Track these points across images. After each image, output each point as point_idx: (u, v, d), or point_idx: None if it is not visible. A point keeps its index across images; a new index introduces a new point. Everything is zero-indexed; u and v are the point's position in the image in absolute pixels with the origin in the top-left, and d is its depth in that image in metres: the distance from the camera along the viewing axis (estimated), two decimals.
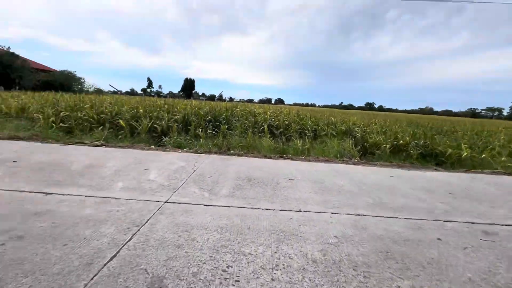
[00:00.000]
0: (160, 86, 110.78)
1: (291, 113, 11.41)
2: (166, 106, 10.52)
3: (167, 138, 6.51)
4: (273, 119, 8.97)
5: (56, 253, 1.65)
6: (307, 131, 7.87)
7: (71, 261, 1.58)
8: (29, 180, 2.90)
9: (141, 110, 8.30)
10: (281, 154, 5.46)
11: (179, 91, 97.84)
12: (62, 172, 3.26)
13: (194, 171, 3.69)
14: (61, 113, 7.86)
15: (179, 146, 5.79)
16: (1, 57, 21.01)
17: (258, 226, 2.17)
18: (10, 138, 5.10)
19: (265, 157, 5.03)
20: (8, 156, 3.79)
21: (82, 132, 6.97)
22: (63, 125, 7.07)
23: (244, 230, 2.08)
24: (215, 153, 5.09)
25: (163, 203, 2.52)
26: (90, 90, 31.98)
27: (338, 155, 5.44)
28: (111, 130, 7.56)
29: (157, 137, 7.18)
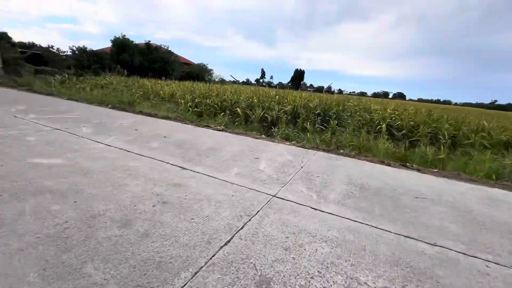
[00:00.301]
0: (271, 77, 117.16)
1: (419, 112, 9.39)
2: (277, 97, 10.95)
3: (276, 128, 6.74)
4: (393, 118, 7.66)
5: (186, 224, 1.93)
6: (441, 137, 6.25)
7: (196, 235, 1.80)
8: (172, 154, 3.63)
9: (255, 100, 8.95)
10: (403, 162, 4.55)
11: (288, 82, 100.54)
12: (194, 150, 3.90)
13: (301, 167, 3.59)
14: (196, 99, 9.61)
15: (286, 138, 5.87)
16: (163, 54, 27.87)
17: (377, 250, 1.82)
18: (164, 117, 6.63)
19: (382, 162, 4.33)
20: (161, 133, 4.91)
21: (209, 117, 8.24)
22: (196, 109, 8.62)
23: (358, 251, 1.79)
24: (323, 150, 4.81)
25: (271, 196, 2.55)
26: (216, 80, 37.80)
27: (494, 176, 3.99)
28: (230, 116, 8.56)
29: (267, 126, 7.58)
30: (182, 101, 9.19)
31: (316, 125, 7.13)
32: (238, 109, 7.89)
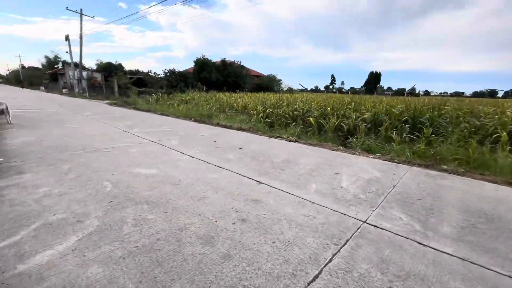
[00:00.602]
0: (342, 82, 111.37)
1: None
2: (352, 103, 10.09)
3: (353, 139, 6.11)
4: None
5: (267, 248, 1.78)
6: None
7: (278, 263, 1.62)
8: (248, 166, 3.63)
9: (329, 109, 8.43)
10: None
11: (361, 86, 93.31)
12: (268, 163, 3.82)
13: (393, 186, 3.03)
14: (267, 110, 9.77)
15: (368, 150, 5.20)
16: (236, 69, 30.05)
17: None
18: (238, 129, 6.92)
19: (510, 184, 3.27)
20: (237, 144, 5.07)
21: (280, 127, 8.20)
22: (268, 120, 8.73)
23: None
24: (418, 165, 4.01)
25: (361, 222, 2.17)
26: (284, 89, 38.21)
27: None
28: (302, 126, 8.30)
29: (342, 136, 6.99)
30: (254, 112, 9.48)
31: (404, 134, 6.13)
32: (310, 118, 7.57)
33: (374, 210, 2.40)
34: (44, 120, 7.58)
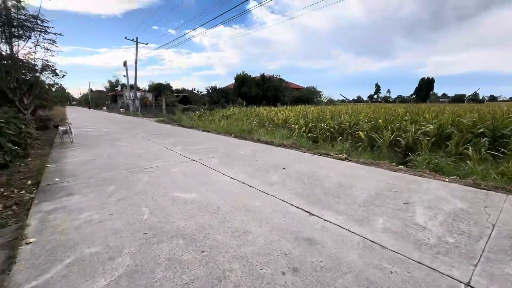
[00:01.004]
0: (388, 91, 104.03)
1: None
2: (408, 114, 8.96)
3: (415, 156, 5.22)
4: None
5: None
6: None
7: None
8: (294, 191, 3.19)
9: (380, 121, 7.55)
10: None
11: (411, 94, 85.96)
12: (318, 187, 3.32)
13: (492, 225, 2.27)
14: (309, 124, 9.23)
15: (437, 170, 4.32)
16: (275, 83, 30.17)
17: None
18: (280, 145, 6.54)
19: None
20: (280, 163, 4.68)
21: (325, 142, 7.59)
22: (311, 134, 8.19)
23: None
24: None
25: (463, 285, 1.55)
26: (325, 101, 36.95)
27: None
28: (350, 141, 7.58)
29: (400, 153, 6.09)
30: (296, 127, 9.04)
31: (483, 151, 5.03)
32: (360, 132, 6.82)
33: (476, 265, 1.74)
34: (101, 138, 8.25)
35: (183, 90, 43.99)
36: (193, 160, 4.99)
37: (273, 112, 14.06)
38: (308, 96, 33.16)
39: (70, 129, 7.26)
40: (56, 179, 3.80)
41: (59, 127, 7.23)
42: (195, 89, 32.61)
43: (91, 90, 75.92)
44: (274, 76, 31.93)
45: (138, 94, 33.94)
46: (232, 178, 3.76)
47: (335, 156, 5.25)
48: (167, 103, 23.11)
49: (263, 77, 30.40)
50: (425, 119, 7.78)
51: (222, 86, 30.37)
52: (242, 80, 28.32)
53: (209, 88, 28.08)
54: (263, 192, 3.19)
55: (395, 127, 7.06)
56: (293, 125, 9.43)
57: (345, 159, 5.04)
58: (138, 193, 3.18)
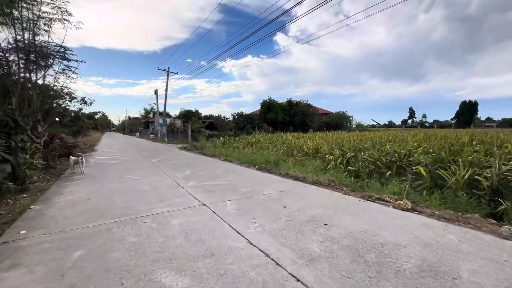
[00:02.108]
0: (424, 115, 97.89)
1: None
2: (474, 143, 7.18)
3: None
4: None
5: None
6: None
7: None
8: (355, 279, 1.88)
9: (443, 153, 5.94)
10: None
11: (451, 118, 79.65)
12: (391, 273, 1.97)
13: None
14: (347, 154, 7.82)
15: None
16: (302, 108, 29.24)
17: None
18: (314, 182, 5.23)
19: None
20: (318, 213, 3.38)
21: (370, 178, 6.13)
22: (351, 168, 6.77)
23: None
24: None
25: None
26: (353, 126, 34.86)
27: None
28: (404, 178, 6.08)
29: (481, 197, 4.44)
30: (331, 158, 7.68)
31: None
32: (420, 168, 5.29)
33: None
34: (114, 168, 7.63)
35: (211, 116, 44.91)
36: (203, 204, 3.89)
37: (301, 139, 12.83)
38: (337, 121, 31.55)
39: (82, 158, 6.72)
40: (22, 232, 2.90)
41: (70, 157, 6.72)
42: (221, 115, 32.84)
43: (129, 117, 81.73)
44: (302, 101, 31.12)
45: (168, 120, 35.05)
46: (251, 244, 2.55)
47: (393, 203, 3.81)
48: (193, 130, 23.10)
49: (289, 102, 29.72)
50: (501, 149, 6.01)
51: (249, 112, 30.16)
52: (268, 105, 27.83)
53: (235, 114, 27.94)
54: (299, 281, 1.92)
55: (467, 161, 5.42)
56: (327, 155, 8.08)
57: (411, 209, 3.58)
58: (108, 271, 2.10)
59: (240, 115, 27.56)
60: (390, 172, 6.20)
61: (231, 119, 29.56)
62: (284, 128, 26.12)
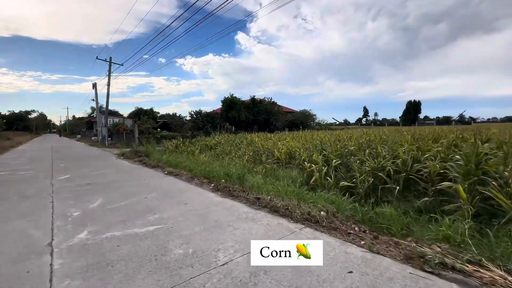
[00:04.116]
0: (375, 114, 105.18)
1: None
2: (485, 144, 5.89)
3: None
4: None
5: None
6: None
7: None
8: None
9: (481, 157, 4.36)
10: None
11: (400, 117, 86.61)
12: None
13: None
14: (333, 162, 5.97)
15: None
16: (266, 106, 27.53)
17: None
18: (305, 219, 3.13)
19: None
20: None
21: (368, 196, 4.32)
22: (344, 183, 4.89)
23: None
24: None
25: None
26: (316, 125, 34.46)
27: None
28: (411, 194, 4.43)
29: None
30: (313, 167, 5.73)
31: None
32: (460, 188, 3.54)
33: None
34: None
35: (168, 115, 40.71)
36: None
37: (270, 140, 10.83)
38: (302, 120, 30.61)
39: None
40: None
41: None
42: (176, 113, 29.38)
43: (73, 117, 71.46)
44: (266, 99, 29.43)
45: (116, 120, 30.37)
46: None
47: (477, 278, 1.90)
48: (142, 131, 19.61)
49: (253, 100, 27.77)
50: None
51: (211, 110, 27.34)
52: (230, 103, 25.47)
53: (192, 113, 24.97)
54: None
55: (499, 172, 3.88)
56: (307, 164, 6.12)
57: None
58: None
59: (198, 113, 24.68)
60: (397, 186, 4.47)
61: (188, 118, 26.48)
62: (247, 127, 24.06)
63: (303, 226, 2.99)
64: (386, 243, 2.54)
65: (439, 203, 3.94)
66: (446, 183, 3.82)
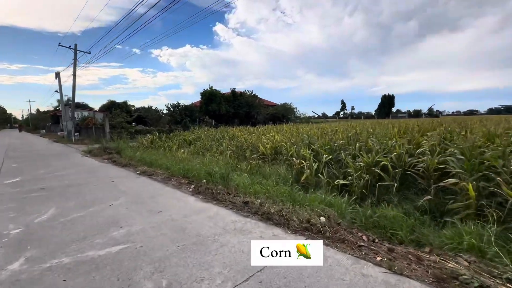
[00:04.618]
0: (352, 108, 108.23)
1: None
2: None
3: None
4: None
5: None
6: None
7: None
8: None
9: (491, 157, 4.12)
10: None
11: (375, 110, 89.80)
12: None
13: None
14: (324, 157, 5.57)
15: None
16: (247, 99, 26.84)
17: None
18: (305, 229, 2.64)
19: None
20: None
21: (364, 195, 3.96)
22: (340, 181, 4.49)
23: None
24: None
25: None
26: (297, 118, 34.45)
27: None
28: (410, 191, 4.15)
29: None
30: (303, 164, 5.29)
31: None
32: (468, 185, 3.23)
33: None
34: None
35: (143, 109, 38.53)
36: None
37: (254, 134, 10.27)
38: (284, 113, 30.34)
39: None
40: None
41: None
42: (151, 106, 27.79)
43: (37, 110, 65.63)
44: (246, 91, 28.70)
45: (86, 113, 28.14)
46: None
47: None
48: (113, 125, 18.13)
49: (233, 92, 26.93)
50: None
51: (190, 104, 26.06)
52: (210, 96, 24.44)
53: (170, 106, 23.64)
54: None
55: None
56: (294, 159, 5.67)
57: None
58: None
59: (176, 106, 23.41)
60: (395, 183, 4.15)
61: (166, 111, 25.06)
62: (228, 121, 23.27)
63: (304, 238, 2.50)
64: (405, 258, 2.13)
65: (441, 201, 3.67)
66: (451, 180, 3.52)
